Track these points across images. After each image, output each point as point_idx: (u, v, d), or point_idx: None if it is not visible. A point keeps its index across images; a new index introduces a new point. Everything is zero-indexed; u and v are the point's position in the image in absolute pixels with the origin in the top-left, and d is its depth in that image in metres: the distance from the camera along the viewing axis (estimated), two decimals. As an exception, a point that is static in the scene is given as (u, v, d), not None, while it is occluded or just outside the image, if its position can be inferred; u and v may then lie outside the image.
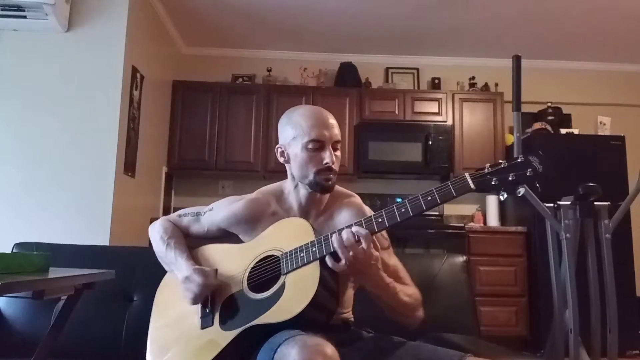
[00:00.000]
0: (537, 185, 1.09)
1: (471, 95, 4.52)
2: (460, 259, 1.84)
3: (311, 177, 1.32)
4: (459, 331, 1.61)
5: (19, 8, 2.97)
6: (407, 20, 4.06)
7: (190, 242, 1.46)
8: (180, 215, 1.52)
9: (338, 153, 1.35)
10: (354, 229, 1.17)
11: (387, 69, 4.78)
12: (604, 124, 4.45)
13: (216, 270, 1.34)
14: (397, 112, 4.43)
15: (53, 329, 1.43)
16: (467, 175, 1.12)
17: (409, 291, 1.32)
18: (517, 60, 2.04)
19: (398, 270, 1.36)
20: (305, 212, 1.38)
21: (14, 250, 1.78)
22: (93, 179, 3.05)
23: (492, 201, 4.32)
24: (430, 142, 4.23)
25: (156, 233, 1.47)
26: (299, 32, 4.33)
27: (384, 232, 1.33)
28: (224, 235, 1.46)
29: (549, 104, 4.51)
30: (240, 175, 4.41)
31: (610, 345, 1.86)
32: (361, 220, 1.19)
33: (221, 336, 1.24)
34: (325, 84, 4.61)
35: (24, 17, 3.00)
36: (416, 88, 4.69)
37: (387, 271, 1.27)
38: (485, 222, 4.35)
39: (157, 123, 4.00)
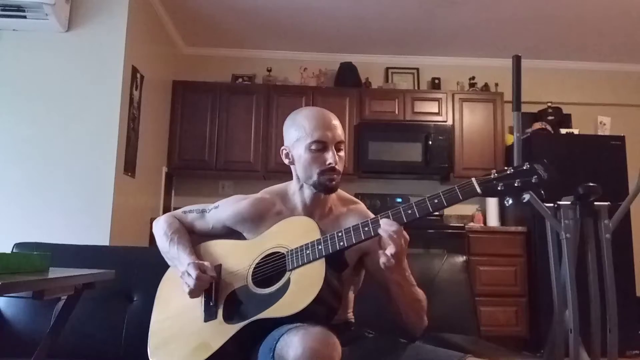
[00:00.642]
0: (542, 192, 1.10)
1: (471, 95, 4.52)
2: (460, 259, 1.84)
3: (315, 177, 1.34)
4: (459, 331, 1.61)
5: (19, 8, 2.97)
6: (407, 20, 4.06)
7: (194, 239, 1.48)
8: (185, 212, 1.53)
9: (341, 153, 1.37)
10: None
11: (387, 69, 4.78)
12: (604, 124, 4.45)
13: (220, 265, 1.35)
14: (397, 112, 4.43)
15: (53, 329, 1.43)
16: (473, 180, 1.15)
17: (419, 290, 1.33)
18: (517, 60, 2.04)
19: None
20: (309, 212, 1.40)
21: (14, 250, 1.78)
22: (93, 179, 3.05)
23: (492, 201, 4.31)
24: (430, 142, 4.23)
25: (160, 228, 1.48)
26: (299, 32, 4.33)
27: None
28: (229, 233, 1.47)
29: (549, 104, 4.51)
30: (240, 175, 4.41)
31: (610, 345, 1.86)
32: (374, 217, 1.22)
33: (224, 329, 1.24)
34: (325, 84, 4.61)
35: (24, 17, 3.00)
36: (416, 88, 4.70)
37: None
38: (485, 222, 4.35)
39: (157, 123, 4.00)
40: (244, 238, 1.45)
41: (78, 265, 1.48)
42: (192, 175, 4.48)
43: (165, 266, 1.50)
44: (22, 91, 3.11)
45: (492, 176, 1.14)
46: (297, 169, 1.39)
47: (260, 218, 1.42)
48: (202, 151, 4.29)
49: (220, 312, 1.29)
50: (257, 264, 1.31)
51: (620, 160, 3.96)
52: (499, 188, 1.13)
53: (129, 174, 3.33)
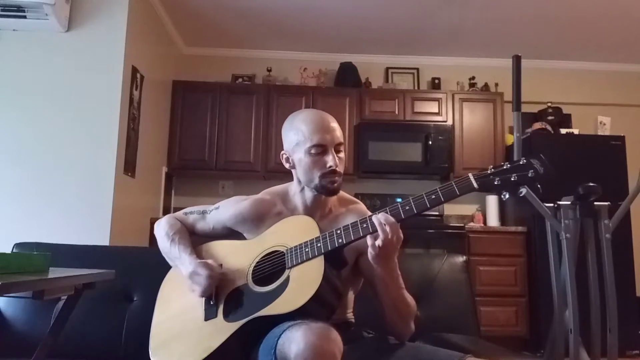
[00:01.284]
0: (539, 186, 1.11)
1: (471, 95, 4.52)
2: (460, 259, 1.84)
3: (316, 181, 1.35)
4: (459, 331, 1.61)
5: (19, 8, 2.97)
6: (407, 20, 4.06)
7: (195, 240, 1.49)
8: (186, 213, 1.54)
9: (342, 155, 1.37)
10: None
11: (387, 69, 4.78)
12: (604, 124, 4.45)
13: (221, 265, 1.36)
14: (397, 112, 4.43)
15: (53, 329, 1.43)
16: (470, 175, 1.16)
17: (408, 295, 1.33)
18: (517, 60, 2.04)
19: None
20: (310, 213, 1.40)
21: (14, 250, 1.78)
22: (93, 179, 3.05)
23: (492, 201, 4.32)
24: (430, 142, 4.23)
25: (161, 229, 1.49)
26: (299, 32, 4.33)
27: None
28: (229, 234, 1.48)
29: (549, 104, 4.51)
30: (240, 175, 4.41)
31: (610, 345, 1.86)
32: (371, 214, 1.23)
33: (225, 327, 1.25)
34: (325, 84, 4.61)
35: (24, 17, 3.00)
36: (416, 88, 4.70)
37: None
38: (485, 222, 4.35)
39: (157, 123, 4.00)
40: (244, 238, 1.45)
41: (78, 265, 1.48)
42: (192, 175, 4.48)
43: (166, 266, 1.50)
44: (22, 91, 3.11)
45: (488, 171, 1.16)
46: (298, 173, 1.40)
47: (260, 218, 1.43)
48: (202, 151, 4.29)
49: (220, 310, 1.30)
50: (257, 262, 1.32)
51: (620, 160, 3.96)
52: (495, 183, 1.14)
53: (129, 174, 3.33)
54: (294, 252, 1.25)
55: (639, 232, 4.01)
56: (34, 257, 1.30)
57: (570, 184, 1.91)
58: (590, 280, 1.91)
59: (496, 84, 4.57)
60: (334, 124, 1.37)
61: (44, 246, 1.74)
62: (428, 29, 4.21)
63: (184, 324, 1.34)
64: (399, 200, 1.22)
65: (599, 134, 4.37)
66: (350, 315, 1.42)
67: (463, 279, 1.80)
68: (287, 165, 1.43)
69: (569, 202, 1.93)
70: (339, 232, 1.22)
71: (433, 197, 1.17)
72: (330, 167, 1.32)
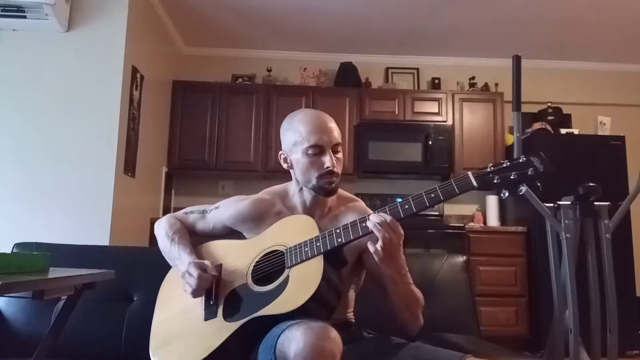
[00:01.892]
0: (539, 184, 1.11)
1: (471, 95, 4.52)
2: (460, 259, 1.84)
3: (314, 181, 1.35)
4: (459, 331, 1.61)
5: (19, 8, 2.97)
6: (407, 20, 4.06)
7: (195, 240, 1.49)
8: (186, 213, 1.55)
9: (339, 155, 1.37)
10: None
11: (387, 69, 4.78)
12: (604, 124, 4.45)
13: (220, 265, 1.36)
14: (397, 112, 4.43)
15: (53, 329, 1.43)
16: (469, 173, 1.16)
17: (416, 289, 1.33)
18: (517, 60, 2.04)
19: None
20: (309, 212, 1.40)
21: (14, 250, 1.78)
22: (93, 179, 3.05)
23: (492, 201, 4.32)
24: (430, 142, 4.23)
25: (162, 229, 1.49)
26: (299, 32, 4.33)
27: None
28: (229, 234, 1.48)
29: (549, 104, 4.51)
30: (240, 175, 4.41)
31: (610, 345, 1.86)
32: (371, 213, 1.23)
33: (224, 327, 1.25)
34: (325, 84, 4.61)
35: (24, 17, 3.00)
36: (416, 88, 4.70)
37: None
38: (485, 222, 4.35)
39: (157, 123, 4.00)
40: (244, 238, 1.46)
41: (78, 265, 1.48)
42: (192, 175, 4.48)
43: (166, 266, 1.50)
44: (22, 91, 3.10)
45: (488, 169, 1.15)
46: (296, 173, 1.40)
47: (260, 218, 1.43)
48: (202, 151, 4.29)
49: (220, 310, 1.30)
50: (257, 262, 1.32)
51: (620, 160, 3.96)
52: (495, 181, 1.13)
53: (129, 174, 3.33)
54: (293, 252, 1.25)
55: (639, 232, 4.01)
56: (34, 257, 1.30)
57: (570, 184, 1.91)
58: (590, 280, 1.91)
59: (496, 84, 4.57)
60: (332, 124, 1.37)
61: (44, 246, 1.74)
62: (428, 29, 4.21)
63: (184, 324, 1.34)
64: (399, 200, 1.22)
65: (599, 134, 4.37)
66: (350, 314, 1.42)
67: (463, 279, 1.80)
68: (285, 166, 1.43)
69: (569, 202, 1.93)
70: (338, 231, 1.22)
71: (432, 195, 1.17)
72: (328, 167, 1.32)
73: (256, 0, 3.78)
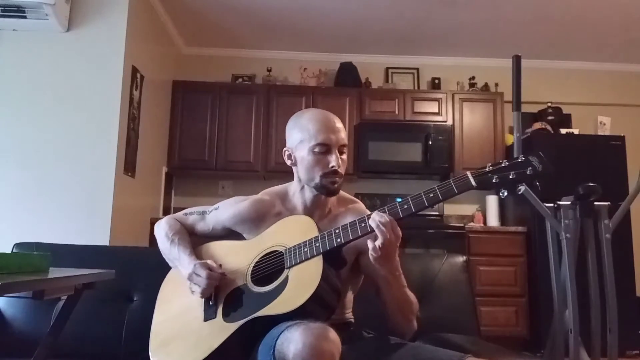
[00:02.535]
0: (537, 184, 1.12)
1: (471, 95, 4.52)
2: (460, 259, 1.84)
3: (317, 180, 1.35)
4: (459, 331, 1.61)
5: (19, 8, 2.97)
6: (407, 20, 4.06)
7: (195, 241, 1.49)
8: (186, 214, 1.55)
9: (344, 157, 1.38)
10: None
11: (387, 69, 4.78)
12: (604, 124, 4.45)
13: (220, 265, 1.36)
14: (397, 112, 4.43)
15: (53, 329, 1.43)
16: (468, 173, 1.16)
17: (411, 293, 1.33)
18: (517, 60, 2.04)
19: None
20: (309, 213, 1.40)
21: (14, 250, 1.78)
22: (93, 179, 3.05)
23: (492, 201, 4.32)
24: (430, 142, 4.23)
25: (161, 230, 1.49)
26: (299, 32, 4.33)
27: None
28: (229, 234, 1.48)
29: (549, 104, 4.51)
30: (240, 175, 4.41)
31: (610, 345, 1.86)
32: (370, 213, 1.22)
33: (224, 328, 1.25)
34: (325, 84, 4.61)
35: (24, 17, 3.00)
36: (416, 88, 4.70)
37: None
38: (485, 222, 4.35)
39: (157, 123, 4.00)
40: (244, 239, 1.45)
41: (78, 265, 1.48)
42: (192, 175, 4.48)
43: (166, 266, 1.50)
44: (22, 91, 3.10)
45: (487, 169, 1.15)
46: (300, 171, 1.40)
47: (260, 219, 1.43)
48: (202, 151, 4.29)
49: (219, 311, 1.30)
50: (257, 262, 1.32)
51: (620, 160, 3.96)
52: (493, 180, 1.14)
53: (129, 174, 3.33)
54: (292, 252, 1.25)
55: (639, 232, 4.01)
56: (34, 257, 1.30)
57: (570, 184, 1.91)
58: (590, 280, 1.91)
59: (496, 84, 4.57)
60: (340, 125, 1.38)
61: (44, 246, 1.74)
62: (428, 29, 4.21)
63: (184, 325, 1.34)
64: (398, 200, 1.22)
65: (599, 134, 4.37)
66: (349, 315, 1.42)
67: (463, 279, 1.80)
68: (288, 162, 1.43)
69: (569, 202, 1.93)
70: (337, 231, 1.22)
71: (431, 195, 1.17)
72: (333, 167, 1.33)
73: (256, 0, 3.78)
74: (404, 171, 4.38)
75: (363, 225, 1.20)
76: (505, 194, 1.14)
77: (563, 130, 4.28)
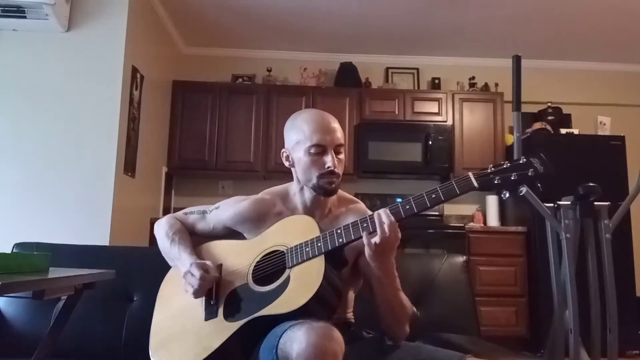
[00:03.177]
0: (539, 185, 1.12)
1: (471, 95, 4.52)
2: (460, 259, 1.84)
3: (314, 180, 1.35)
4: (459, 331, 1.61)
5: (19, 8, 2.97)
6: (407, 20, 4.06)
7: (195, 240, 1.48)
8: (186, 213, 1.55)
9: (341, 156, 1.38)
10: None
11: (387, 69, 4.78)
12: (604, 124, 4.45)
13: (220, 265, 1.36)
14: (397, 112, 4.43)
15: (53, 329, 1.43)
16: (470, 174, 1.16)
17: (405, 297, 1.33)
18: (517, 60, 2.04)
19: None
20: (310, 213, 1.40)
21: (14, 250, 1.78)
22: (93, 179, 3.05)
23: (492, 201, 4.32)
24: (430, 142, 4.23)
25: (162, 229, 1.49)
26: (299, 32, 4.33)
27: None
28: (229, 234, 1.48)
29: (549, 104, 4.51)
30: (240, 175, 4.41)
31: (610, 345, 1.86)
32: (372, 213, 1.23)
33: (225, 327, 1.25)
34: (325, 84, 4.61)
35: (24, 17, 3.00)
36: (416, 88, 4.70)
37: None
38: (485, 222, 4.35)
39: (157, 123, 4.00)
40: (244, 238, 1.45)
41: (78, 265, 1.48)
42: (192, 175, 4.48)
43: (166, 266, 1.50)
44: (22, 91, 3.10)
45: (489, 170, 1.16)
46: (297, 172, 1.40)
47: (260, 218, 1.43)
48: (202, 151, 4.29)
49: (220, 310, 1.30)
50: (258, 262, 1.32)
51: (620, 160, 3.96)
52: (495, 182, 1.14)
53: (129, 174, 3.33)
54: (294, 252, 1.25)
55: (639, 232, 4.01)
56: (34, 257, 1.30)
57: (570, 184, 1.91)
58: (590, 280, 1.91)
59: (496, 84, 4.57)
60: (335, 125, 1.37)
61: (44, 246, 1.74)
62: (428, 29, 4.21)
63: (184, 324, 1.34)
64: (398, 200, 1.22)
65: (599, 134, 4.37)
66: (350, 315, 1.42)
67: (463, 279, 1.80)
68: (286, 164, 1.43)
69: (569, 202, 1.93)
70: (339, 231, 1.22)
71: (433, 196, 1.18)
72: (329, 167, 1.33)
73: (256, 0, 3.78)
74: (404, 171, 4.38)
75: (365, 225, 1.20)
76: (507, 195, 1.15)
77: (563, 130, 4.28)
